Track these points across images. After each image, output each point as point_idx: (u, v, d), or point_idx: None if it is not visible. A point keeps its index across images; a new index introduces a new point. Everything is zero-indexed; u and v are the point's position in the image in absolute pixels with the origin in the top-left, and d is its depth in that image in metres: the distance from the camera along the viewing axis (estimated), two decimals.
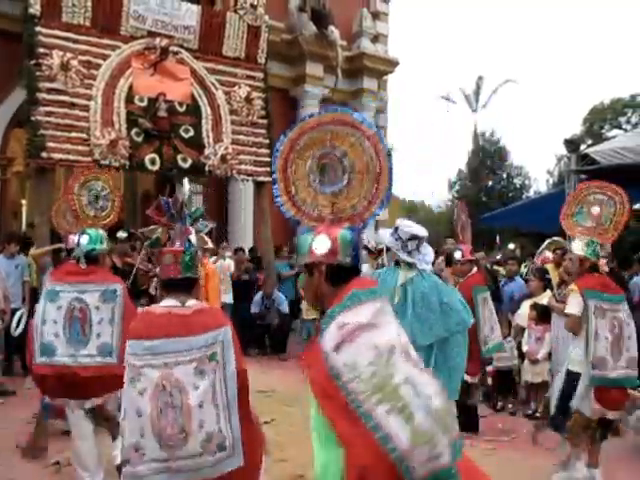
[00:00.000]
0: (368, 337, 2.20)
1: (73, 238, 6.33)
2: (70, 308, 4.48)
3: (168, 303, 3.07)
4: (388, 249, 4.68)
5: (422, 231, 4.75)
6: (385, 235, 4.75)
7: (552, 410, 5.14)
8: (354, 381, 2.15)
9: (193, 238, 3.24)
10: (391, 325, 2.28)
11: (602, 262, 5.45)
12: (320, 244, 2.39)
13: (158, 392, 2.88)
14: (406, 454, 2.05)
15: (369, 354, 2.18)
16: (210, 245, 4.41)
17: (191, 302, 3.08)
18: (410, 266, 4.69)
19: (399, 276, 4.73)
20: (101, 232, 4.85)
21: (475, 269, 6.93)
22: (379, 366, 2.16)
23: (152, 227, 3.42)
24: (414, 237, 4.67)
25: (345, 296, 2.30)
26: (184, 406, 2.85)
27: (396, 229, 4.70)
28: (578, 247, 5.06)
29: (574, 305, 4.94)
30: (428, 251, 4.89)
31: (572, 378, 4.93)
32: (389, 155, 2.45)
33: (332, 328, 2.24)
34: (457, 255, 6.84)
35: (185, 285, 3.10)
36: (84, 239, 4.76)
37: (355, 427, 2.09)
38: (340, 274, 2.39)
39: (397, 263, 4.73)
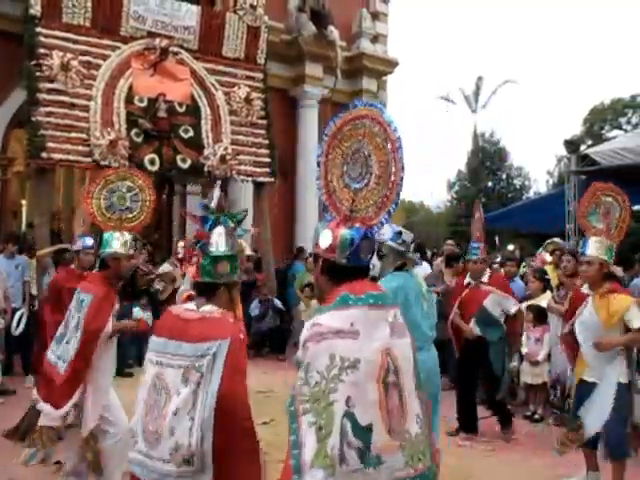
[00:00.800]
0: (332, 344, 2.23)
1: (76, 240, 6.35)
2: (70, 310, 4.58)
3: (186, 306, 3.09)
4: (385, 255, 4.65)
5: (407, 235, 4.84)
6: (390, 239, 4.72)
7: (592, 426, 4.73)
8: (300, 382, 2.22)
9: (217, 242, 3.20)
10: (372, 339, 2.26)
11: (615, 268, 5.35)
12: (324, 238, 2.46)
13: (151, 388, 2.92)
14: (303, 468, 2.14)
15: (323, 362, 2.21)
16: (248, 251, 4.37)
17: (206, 308, 3.02)
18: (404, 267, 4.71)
19: (419, 280, 4.80)
20: (117, 235, 4.69)
21: (488, 270, 6.93)
22: (326, 377, 2.19)
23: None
24: (413, 241, 4.73)
25: (337, 296, 2.34)
26: (164, 408, 2.83)
27: (399, 233, 4.71)
28: (593, 249, 4.82)
29: None
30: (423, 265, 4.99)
31: (623, 390, 4.70)
32: (403, 168, 2.42)
33: (308, 324, 2.32)
34: (476, 253, 6.76)
35: (203, 289, 3.07)
36: (89, 241, 4.75)
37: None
38: (336, 272, 2.43)
39: (398, 268, 4.71)
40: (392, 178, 2.41)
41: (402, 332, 2.37)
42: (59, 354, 4.47)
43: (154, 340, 3.01)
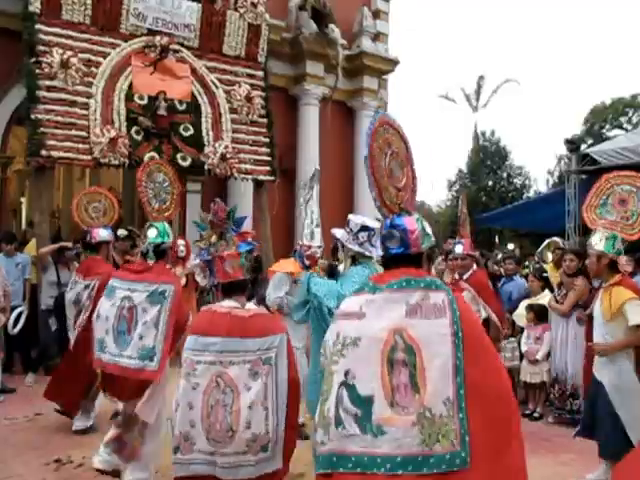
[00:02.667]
0: (339, 324, 2.55)
1: (97, 232, 6.38)
2: (121, 306, 4.40)
3: (229, 304, 3.23)
4: (343, 245, 4.80)
5: (374, 224, 4.81)
6: (339, 231, 4.86)
7: (608, 430, 4.66)
8: (324, 356, 2.59)
9: (233, 240, 3.45)
10: (379, 319, 2.47)
11: (622, 260, 5.14)
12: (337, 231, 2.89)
13: (212, 388, 3.03)
14: (315, 426, 2.51)
15: (331, 339, 2.54)
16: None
17: (250, 305, 3.28)
18: (365, 257, 4.74)
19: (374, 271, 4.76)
20: (167, 225, 4.80)
21: (475, 266, 6.90)
22: (332, 352, 2.51)
23: (208, 232, 3.59)
24: (364, 228, 4.72)
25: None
26: (234, 405, 2.99)
27: (348, 222, 4.81)
28: (596, 241, 4.73)
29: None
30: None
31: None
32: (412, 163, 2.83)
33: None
34: (458, 249, 6.78)
35: (242, 287, 3.32)
36: (152, 232, 4.69)
37: None
38: (384, 263, 2.78)
39: (354, 259, 4.77)
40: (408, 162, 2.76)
41: (432, 313, 2.46)
42: (129, 353, 4.26)
43: (202, 341, 3.10)
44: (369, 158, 2.63)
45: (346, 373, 2.42)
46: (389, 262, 2.69)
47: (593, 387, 4.85)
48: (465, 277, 6.72)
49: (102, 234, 6.44)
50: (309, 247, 5.15)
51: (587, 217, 4.87)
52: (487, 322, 6.59)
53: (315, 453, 2.47)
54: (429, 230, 2.71)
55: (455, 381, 2.37)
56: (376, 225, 4.78)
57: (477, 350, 2.46)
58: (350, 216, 4.93)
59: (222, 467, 2.97)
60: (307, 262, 5.14)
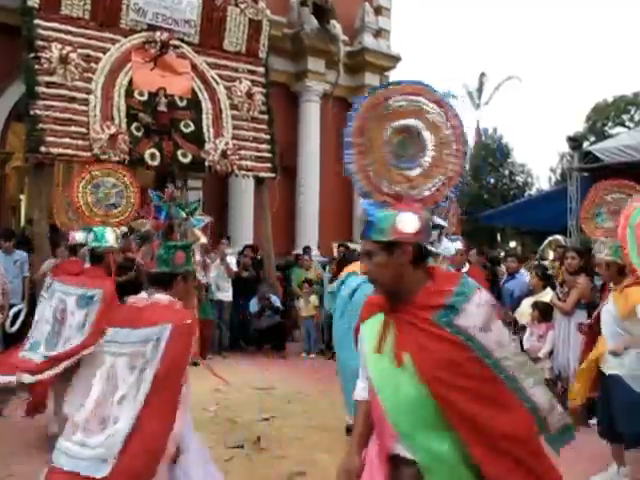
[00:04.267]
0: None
1: (74, 235, 6.32)
2: (55, 308, 4.41)
3: (139, 296, 3.05)
4: None
5: (442, 221, 4.68)
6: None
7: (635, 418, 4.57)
8: (505, 359, 2.20)
9: (193, 232, 3.20)
10: None
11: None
12: (409, 222, 2.23)
13: (105, 379, 2.85)
14: (545, 415, 2.27)
15: (507, 332, 2.28)
16: (203, 240, 4.31)
17: (158, 296, 2.99)
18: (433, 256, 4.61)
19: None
20: (108, 230, 4.71)
21: (467, 263, 6.89)
22: (514, 344, 2.30)
23: (141, 220, 3.36)
24: (435, 226, 4.60)
25: (458, 279, 2.29)
26: (111, 398, 2.78)
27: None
28: (604, 252, 4.79)
29: None
30: (448, 245, 4.82)
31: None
32: (465, 141, 2.36)
33: (471, 308, 2.19)
34: (458, 245, 6.74)
35: (158, 279, 3.03)
36: (90, 237, 4.66)
37: (509, 397, 2.19)
38: (422, 255, 2.29)
39: None
40: (455, 153, 2.31)
41: None
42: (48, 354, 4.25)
43: (107, 331, 2.96)
44: (365, 106, 2.35)
45: None
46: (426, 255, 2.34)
47: (605, 384, 4.82)
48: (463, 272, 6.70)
49: (78, 237, 6.38)
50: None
51: (586, 229, 5.07)
52: None
53: None
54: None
55: None
56: (444, 223, 4.70)
57: None
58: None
59: (75, 459, 2.72)
60: None
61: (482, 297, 2.21)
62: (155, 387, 2.68)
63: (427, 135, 2.32)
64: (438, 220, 4.61)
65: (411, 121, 2.33)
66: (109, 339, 2.93)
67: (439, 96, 2.35)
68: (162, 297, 2.98)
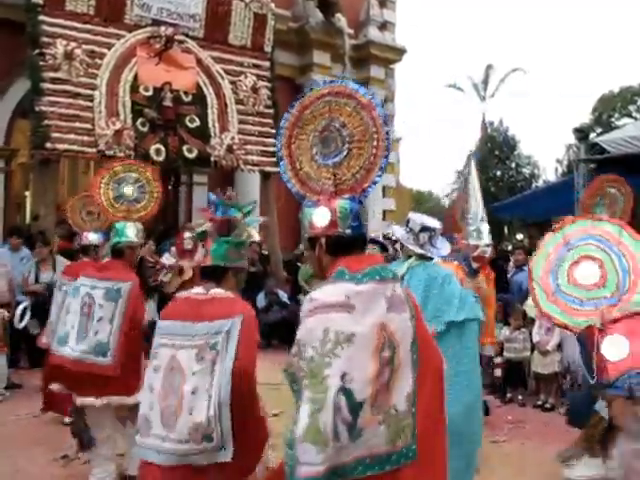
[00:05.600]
0: (325, 318, 2.19)
1: (87, 235, 6.38)
2: (82, 303, 4.43)
3: (195, 290, 3.15)
4: (402, 245, 4.56)
5: (435, 223, 4.62)
6: (399, 230, 4.64)
7: None
8: (299, 358, 2.20)
9: (241, 229, 3.30)
10: (367, 313, 2.21)
11: None
12: (320, 217, 2.39)
13: (167, 372, 2.95)
14: (295, 442, 2.09)
15: (316, 335, 2.17)
16: (257, 238, 4.45)
17: (215, 290, 3.10)
18: (422, 258, 4.54)
19: (403, 267, 4.62)
20: (129, 225, 4.71)
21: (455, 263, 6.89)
22: (320, 352, 2.15)
23: (200, 221, 3.52)
24: (425, 228, 4.52)
25: (334, 271, 2.33)
26: (179, 390, 2.88)
27: (408, 221, 4.60)
28: None
29: None
30: (444, 245, 4.74)
31: None
32: (385, 122, 2.44)
33: (305, 300, 2.30)
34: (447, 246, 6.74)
35: (212, 274, 3.15)
36: (112, 232, 4.71)
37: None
38: (339, 245, 2.39)
39: (410, 257, 4.60)
40: (375, 137, 2.42)
41: (400, 307, 2.30)
42: (84, 348, 4.30)
43: (164, 324, 3.06)
44: (290, 120, 2.58)
45: (343, 376, 2.11)
46: (350, 245, 2.40)
47: None
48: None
49: (92, 238, 6.42)
50: (476, 247, 4.59)
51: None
52: None
53: (294, 475, 2.10)
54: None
55: (413, 375, 2.28)
56: (437, 225, 4.66)
57: (424, 342, 2.37)
58: (410, 215, 4.66)
59: (170, 452, 2.88)
60: (475, 264, 4.56)
61: (317, 293, 2.27)
62: (235, 380, 2.83)
63: (344, 129, 2.48)
64: (429, 222, 4.57)
65: (325, 121, 2.52)
66: (165, 332, 3.04)
67: (350, 89, 2.51)
68: (220, 291, 3.10)
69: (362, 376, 2.14)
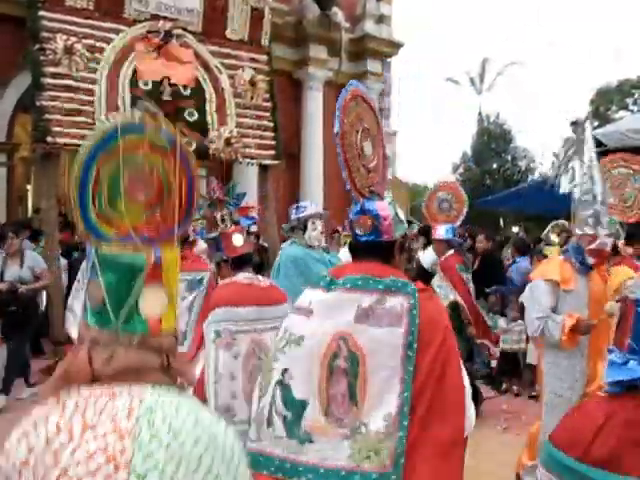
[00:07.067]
0: (291, 319, 2.42)
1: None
2: None
3: (247, 276, 3.40)
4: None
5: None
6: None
7: None
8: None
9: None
10: (325, 320, 2.29)
11: (621, 243, 5.03)
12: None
13: (250, 355, 3.16)
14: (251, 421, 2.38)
15: (280, 333, 2.42)
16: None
17: (261, 277, 3.45)
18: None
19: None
20: None
21: (452, 250, 6.96)
22: (275, 346, 2.39)
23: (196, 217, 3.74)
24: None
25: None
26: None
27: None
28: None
29: None
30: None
31: None
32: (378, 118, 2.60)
33: None
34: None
35: (250, 260, 3.51)
36: None
37: None
38: (352, 251, 2.58)
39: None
40: (380, 137, 2.56)
41: (382, 319, 2.23)
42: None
43: (236, 311, 3.23)
44: (340, 135, 2.40)
45: (283, 372, 2.28)
46: (357, 251, 2.48)
47: None
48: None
49: None
50: (593, 238, 3.76)
51: None
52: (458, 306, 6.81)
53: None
54: (402, 216, 2.46)
55: (401, 396, 2.15)
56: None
57: (435, 363, 2.20)
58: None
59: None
60: (591, 260, 3.81)
61: (300, 297, 2.49)
62: None
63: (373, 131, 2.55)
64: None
65: (361, 123, 2.51)
66: (252, 317, 3.23)
67: (360, 89, 2.56)
68: (262, 277, 3.49)
69: (303, 376, 2.26)
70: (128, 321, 1.30)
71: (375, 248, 2.41)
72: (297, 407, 2.21)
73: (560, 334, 3.90)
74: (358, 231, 2.40)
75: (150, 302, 1.31)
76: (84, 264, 5.67)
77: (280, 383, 2.27)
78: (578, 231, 3.85)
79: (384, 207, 2.40)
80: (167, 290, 1.36)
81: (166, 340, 1.35)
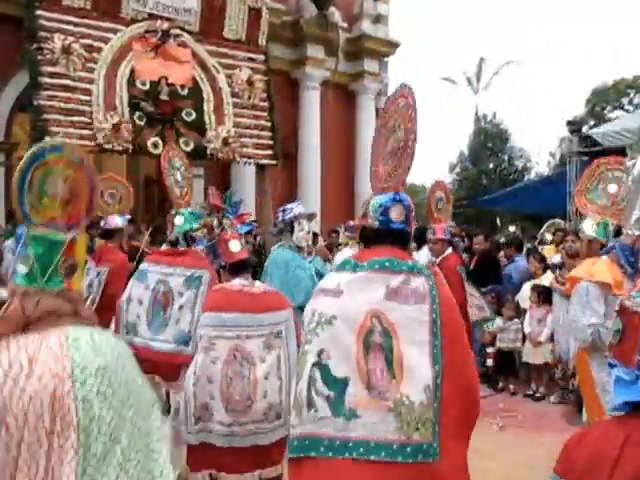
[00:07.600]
0: (315, 302, 2.46)
1: (113, 218, 6.36)
2: (156, 290, 4.31)
3: (240, 282, 3.41)
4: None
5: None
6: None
7: None
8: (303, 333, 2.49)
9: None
10: (356, 299, 2.35)
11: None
12: (361, 210, 2.63)
13: (230, 361, 3.18)
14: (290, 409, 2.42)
15: (307, 316, 2.45)
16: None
17: (258, 283, 3.47)
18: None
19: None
20: (190, 210, 4.66)
21: (450, 249, 6.96)
22: (306, 330, 2.43)
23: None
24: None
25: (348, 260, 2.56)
26: (251, 376, 3.15)
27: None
28: (588, 227, 4.60)
29: None
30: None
31: None
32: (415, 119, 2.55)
33: None
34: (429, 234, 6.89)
35: (248, 266, 3.54)
36: (179, 220, 4.56)
37: None
38: (369, 237, 2.58)
39: None
40: (411, 137, 2.52)
41: (410, 299, 2.34)
42: (165, 337, 4.18)
43: (219, 317, 3.27)
44: (381, 129, 2.63)
45: (320, 353, 2.31)
46: (376, 237, 2.53)
47: None
48: (437, 261, 6.77)
49: (117, 221, 6.40)
50: None
51: (578, 202, 4.79)
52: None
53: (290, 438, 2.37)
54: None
55: (434, 369, 2.27)
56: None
57: (454, 340, 2.36)
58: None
59: (241, 436, 3.12)
60: None
61: (324, 280, 2.58)
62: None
63: (401, 127, 2.56)
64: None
65: (394, 122, 2.59)
66: (233, 323, 3.24)
67: (406, 90, 2.58)
68: (259, 283, 3.49)
69: (340, 354, 2.31)
70: (50, 279, 1.85)
71: (401, 236, 2.54)
72: (339, 385, 2.26)
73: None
74: (394, 218, 2.50)
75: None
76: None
77: (318, 364, 2.31)
78: (630, 232, 3.49)
79: (409, 199, 2.57)
80: (77, 260, 1.92)
81: (76, 294, 1.91)
